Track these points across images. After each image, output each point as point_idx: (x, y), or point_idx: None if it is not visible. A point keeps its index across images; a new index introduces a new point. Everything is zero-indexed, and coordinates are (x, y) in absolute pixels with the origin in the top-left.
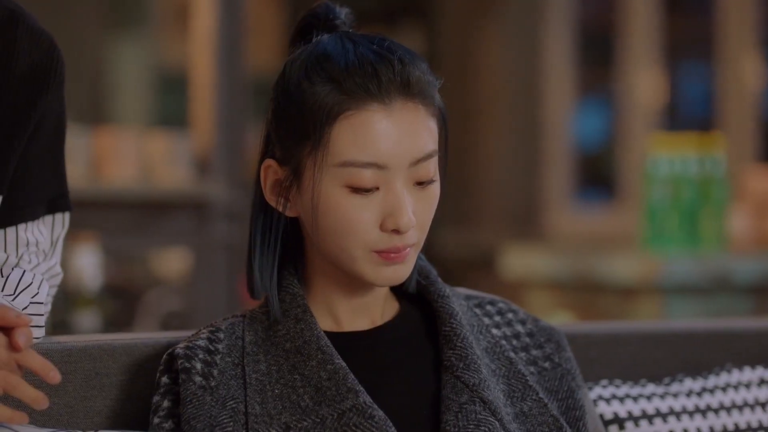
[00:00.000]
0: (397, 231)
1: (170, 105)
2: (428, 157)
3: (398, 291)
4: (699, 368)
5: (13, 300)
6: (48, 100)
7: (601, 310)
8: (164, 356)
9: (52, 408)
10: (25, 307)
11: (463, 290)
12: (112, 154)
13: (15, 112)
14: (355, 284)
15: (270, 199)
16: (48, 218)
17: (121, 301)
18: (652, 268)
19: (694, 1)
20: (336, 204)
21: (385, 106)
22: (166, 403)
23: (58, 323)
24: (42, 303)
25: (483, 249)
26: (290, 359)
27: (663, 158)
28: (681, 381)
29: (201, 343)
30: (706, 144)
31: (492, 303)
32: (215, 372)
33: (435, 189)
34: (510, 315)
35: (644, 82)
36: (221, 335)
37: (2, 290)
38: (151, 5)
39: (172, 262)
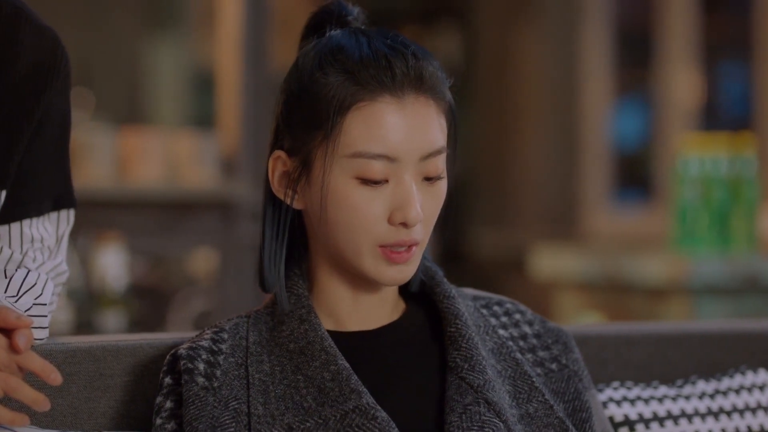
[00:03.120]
0: (404, 224)
1: (208, 105)
2: (438, 152)
3: (403, 291)
4: (713, 370)
5: (16, 301)
6: (52, 96)
7: (631, 310)
8: (167, 357)
9: (56, 409)
10: (28, 309)
11: (470, 291)
12: (139, 153)
13: (19, 108)
14: (361, 284)
15: (277, 191)
16: (53, 215)
17: (149, 301)
18: (682, 269)
19: (732, 0)
20: (345, 195)
21: (398, 99)
22: (168, 404)
23: (84, 323)
24: (45, 304)
25: (520, 249)
26: (294, 360)
27: (694, 158)
28: (694, 383)
29: (204, 343)
30: (737, 144)
31: (499, 303)
32: (218, 373)
33: (442, 186)
34: (517, 316)
35: (682, 82)
36: (225, 335)
37: (5, 291)
38: (188, 6)
39: (199, 262)
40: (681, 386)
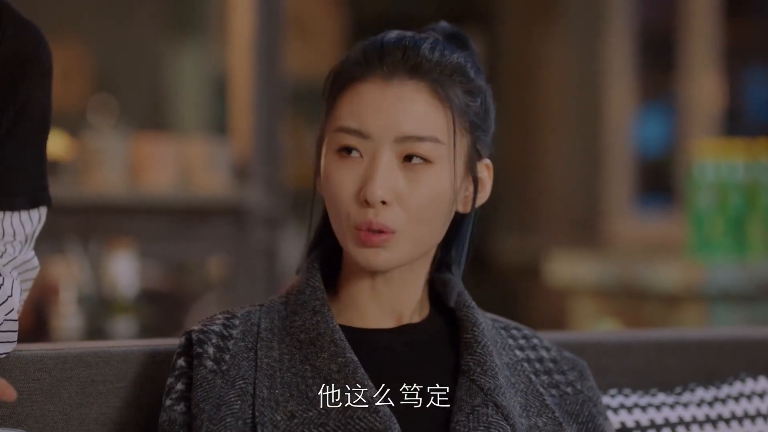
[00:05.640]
0: (367, 202)
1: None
2: (419, 139)
3: (436, 303)
4: (713, 377)
5: None
6: (31, 87)
7: (647, 317)
8: (181, 339)
9: (47, 416)
10: None
11: (490, 315)
12: (151, 159)
13: None
14: (376, 278)
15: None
16: (30, 212)
17: (162, 307)
18: (697, 276)
19: (756, 4)
20: (328, 170)
21: (386, 81)
22: (179, 386)
23: (94, 330)
24: (16, 320)
25: (543, 255)
26: (303, 350)
27: (709, 164)
28: (693, 390)
29: (215, 328)
30: (754, 150)
31: (518, 328)
32: (227, 357)
33: (429, 174)
34: (535, 340)
35: (706, 87)
36: (236, 322)
37: None
38: (210, 13)
39: (212, 268)
40: (679, 394)
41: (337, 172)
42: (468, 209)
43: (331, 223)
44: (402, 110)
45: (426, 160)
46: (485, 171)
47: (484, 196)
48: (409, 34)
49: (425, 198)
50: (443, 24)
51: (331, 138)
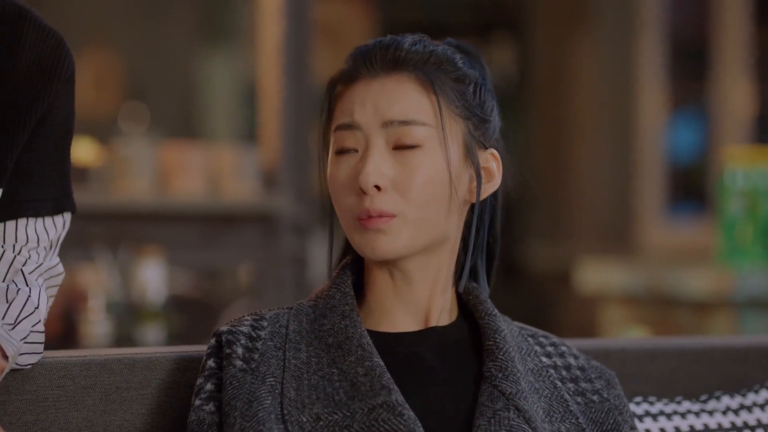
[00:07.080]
0: (362, 190)
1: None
2: (405, 123)
3: (464, 308)
4: (738, 385)
5: (12, 329)
6: (53, 94)
7: (676, 324)
8: (211, 341)
9: (71, 422)
10: (25, 336)
11: (518, 324)
12: (180, 167)
13: (17, 103)
14: (395, 277)
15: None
16: (54, 218)
17: (191, 314)
18: (726, 283)
19: None
20: (330, 170)
21: (372, 78)
22: (209, 386)
23: (123, 337)
24: (42, 332)
25: (574, 263)
26: (331, 353)
27: (740, 171)
28: (718, 398)
29: (244, 329)
30: None
31: (546, 336)
32: (256, 356)
33: (421, 158)
34: (563, 348)
35: (738, 94)
36: (265, 323)
37: (3, 318)
38: (242, 21)
39: (241, 275)
40: (705, 401)
41: (336, 170)
42: (474, 199)
43: (341, 222)
44: (386, 98)
45: (415, 144)
46: (492, 161)
47: (492, 186)
48: (393, 36)
49: (420, 181)
50: (449, 39)
51: (332, 139)
